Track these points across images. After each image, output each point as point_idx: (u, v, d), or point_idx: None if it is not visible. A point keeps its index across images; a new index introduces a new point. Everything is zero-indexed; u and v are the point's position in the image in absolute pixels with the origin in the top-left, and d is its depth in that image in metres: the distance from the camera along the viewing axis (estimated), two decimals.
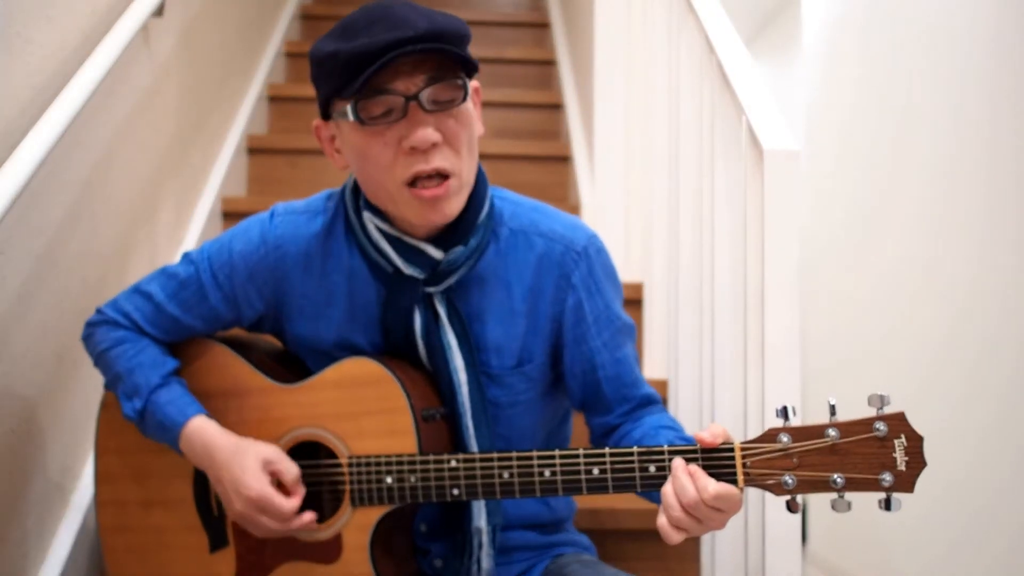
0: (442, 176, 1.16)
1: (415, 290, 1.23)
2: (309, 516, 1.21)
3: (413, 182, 1.15)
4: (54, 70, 1.64)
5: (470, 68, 1.16)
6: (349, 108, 1.13)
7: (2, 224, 1.42)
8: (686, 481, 1.05)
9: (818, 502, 3.41)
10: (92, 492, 1.73)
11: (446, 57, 1.13)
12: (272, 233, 1.29)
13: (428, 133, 1.13)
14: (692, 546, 1.85)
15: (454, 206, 1.18)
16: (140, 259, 2.07)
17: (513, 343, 1.27)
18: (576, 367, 1.30)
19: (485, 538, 1.25)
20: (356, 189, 1.27)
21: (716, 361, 1.77)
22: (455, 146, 1.16)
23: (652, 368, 2.29)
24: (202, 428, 1.25)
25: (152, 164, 2.17)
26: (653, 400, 1.33)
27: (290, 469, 1.22)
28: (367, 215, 1.23)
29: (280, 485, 1.22)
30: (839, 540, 3.30)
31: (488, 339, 1.27)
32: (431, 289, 1.23)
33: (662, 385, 2.13)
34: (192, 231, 2.49)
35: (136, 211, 2.06)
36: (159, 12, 2.14)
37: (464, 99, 1.16)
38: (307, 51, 4.04)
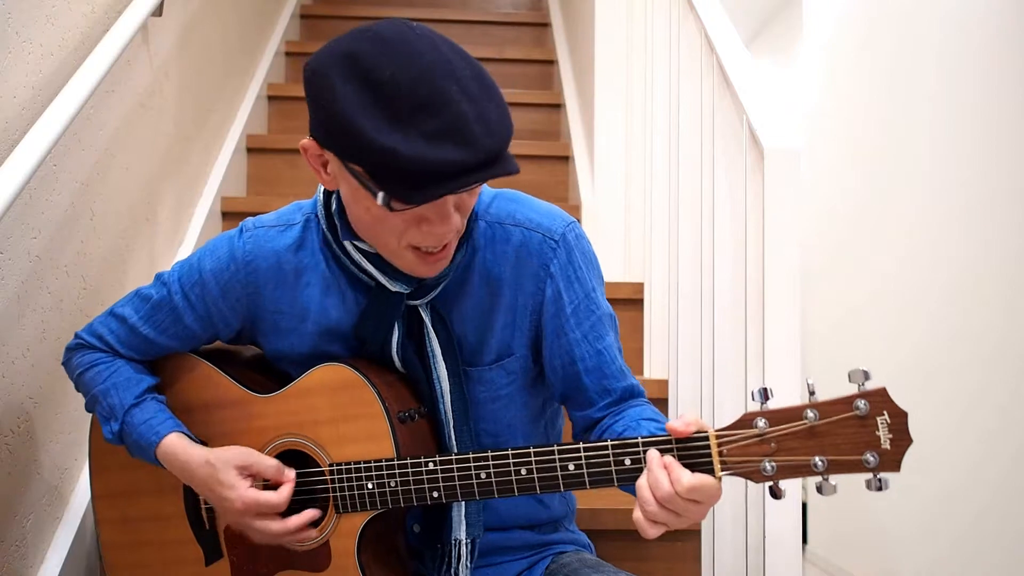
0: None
1: (399, 305, 1.22)
2: (308, 515, 1.20)
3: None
4: (53, 69, 1.63)
5: None
6: (381, 196, 1.03)
7: (1, 224, 1.42)
8: (660, 474, 1.02)
9: (818, 502, 3.41)
10: (90, 496, 1.72)
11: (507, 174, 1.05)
12: (242, 249, 1.26)
13: (451, 226, 1.09)
14: (692, 546, 1.85)
15: (449, 260, 1.17)
16: (140, 259, 2.06)
17: (491, 338, 1.26)
18: (555, 360, 1.28)
19: (464, 550, 1.24)
20: (328, 209, 1.23)
21: (716, 361, 1.77)
22: (465, 214, 1.13)
23: (652, 368, 2.29)
24: (173, 447, 1.24)
25: (152, 164, 2.17)
26: (636, 392, 1.30)
27: (266, 463, 1.20)
28: (347, 242, 1.21)
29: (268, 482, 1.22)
30: (839, 540, 3.30)
31: (468, 337, 1.25)
32: (414, 302, 1.22)
33: (662, 385, 2.12)
34: (192, 231, 2.48)
35: (136, 211, 2.06)
36: (158, 12, 2.13)
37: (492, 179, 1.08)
38: (307, 51, 4.01)
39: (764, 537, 1.48)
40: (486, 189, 1.29)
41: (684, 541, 1.86)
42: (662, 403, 2.12)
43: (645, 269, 2.38)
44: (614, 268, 2.64)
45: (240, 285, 1.26)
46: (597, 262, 1.31)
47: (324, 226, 1.24)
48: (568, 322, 1.26)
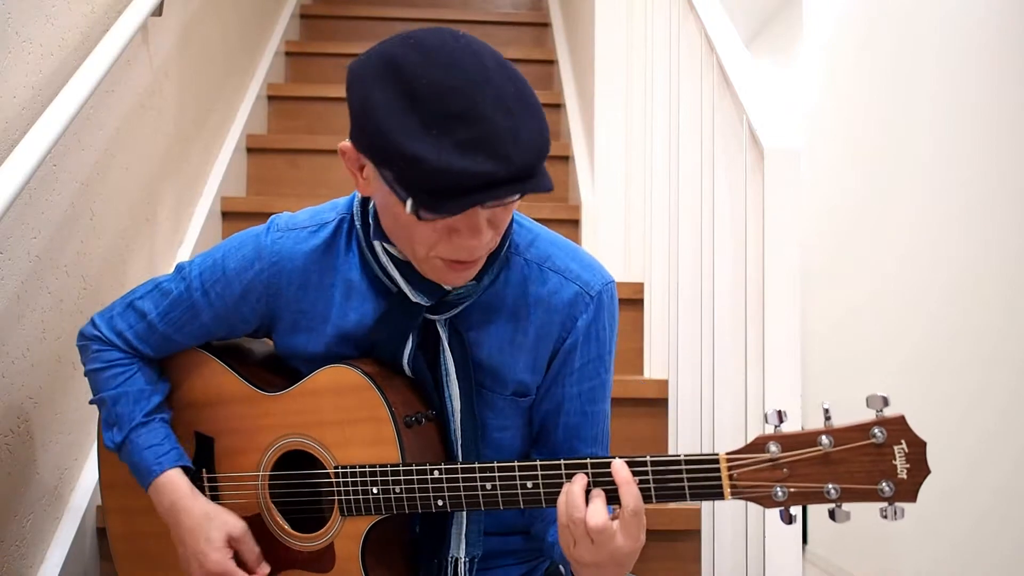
0: None
1: (416, 315, 1.20)
2: None
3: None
4: (53, 69, 1.63)
5: None
6: (409, 203, 1.01)
7: (1, 224, 1.42)
8: (580, 498, 1.05)
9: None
10: (90, 494, 1.73)
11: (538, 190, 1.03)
12: (269, 249, 1.24)
13: (483, 241, 1.06)
14: (692, 546, 1.85)
15: (477, 271, 1.15)
16: (140, 259, 2.07)
17: (510, 374, 1.25)
18: (544, 403, 1.29)
19: (462, 568, 1.24)
20: (365, 207, 1.22)
21: (716, 361, 1.77)
22: (499, 229, 1.11)
23: (652, 368, 2.29)
24: (173, 485, 1.24)
25: (151, 164, 2.17)
26: None
27: (253, 550, 1.22)
28: (377, 241, 1.20)
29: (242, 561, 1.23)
30: (839, 540, 3.30)
31: (484, 363, 1.24)
32: (433, 316, 1.21)
33: (662, 385, 2.12)
34: (191, 231, 2.49)
35: (136, 211, 2.06)
36: (158, 12, 2.13)
37: (522, 195, 1.04)
38: (307, 51, 3.99)
39: (764, 537, 1.48)
40: (527, 225, 1.28)
41: (684, 541, 1.86)
42: (662, 403, 2.12)
43: (645, 269, 2.38)
44: (614, 268, 2.64)
45: (263, 285, 1.25)
46: (617, 327, 1.31)
47: (358, 224, 1.22)
48: (571, 376, 1.27)
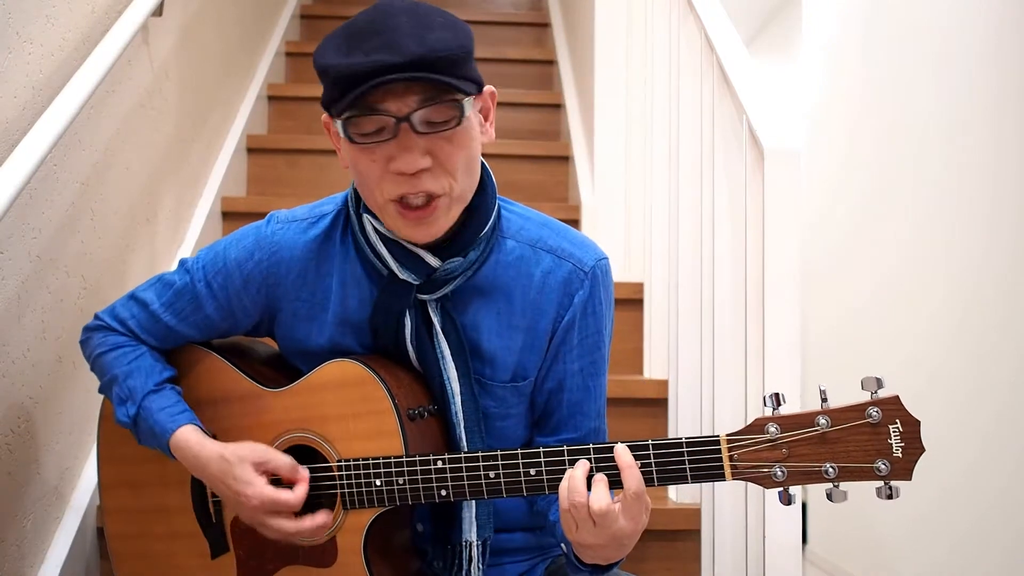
0: (431, 196, 1.13)
1: (407, 295, 1.22)
2: (322, 517, 1.19)
3: (400, 198, 1.14)
4: (53, 69, 1.63)
5: (473, 87, 1.13)
6: (340, 124, 1.11)
7: (1, 224, 1.42)
8: (582, 484, 1.06)
9: (817, 502, 3.41)
10: (91, 494, 1.73)
11: (437, 82, 1.09)
12: (268, 240, 1.27)
13: (414, 160, 1.09)
14: (692, 546, 1.85)
15: (441, 224, 1.16)
16: (140, 259, 2.07)
17: (509, 357, 1.26)
18: (546, 383, 1.30)
19: (475, 551, 1.25)
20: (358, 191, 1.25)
21: (716, 361, 1.77)
22: (448, 168, 1.12)
23: (652, 368, 2.29)
24: (187, 439, 1.24)
25: (152, 164, 2.17)
26: (597, 440, 1.32)
27: (283, 462, 1.20)
28: (367, 216, 1.22)
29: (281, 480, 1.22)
30: (839, 540, 3.30)
31: (483, 349, 1.26)
32: (425, 296, 1.22)
33: (662, 385, 2.12)
34: (192, 231, 2.49)
35: (136, 211, 2.06)
36: (158, 12, 2.13)
37: (460, 121, 1.11)
38: (307, 51, 4.02)
39: (764, 537, 1.48)
40: (517, 211, 1.30)
41: (684, 541, 1.86)
42: (662, 403, 2.12)
43: (645, 269, 2.38)
44: (614, 268, 2.63)
45: (262, 276, 1.27)
46: (613, 302, 1.33)
47: (352, 206, 1.25)
48: (572, 352, 1.28)
